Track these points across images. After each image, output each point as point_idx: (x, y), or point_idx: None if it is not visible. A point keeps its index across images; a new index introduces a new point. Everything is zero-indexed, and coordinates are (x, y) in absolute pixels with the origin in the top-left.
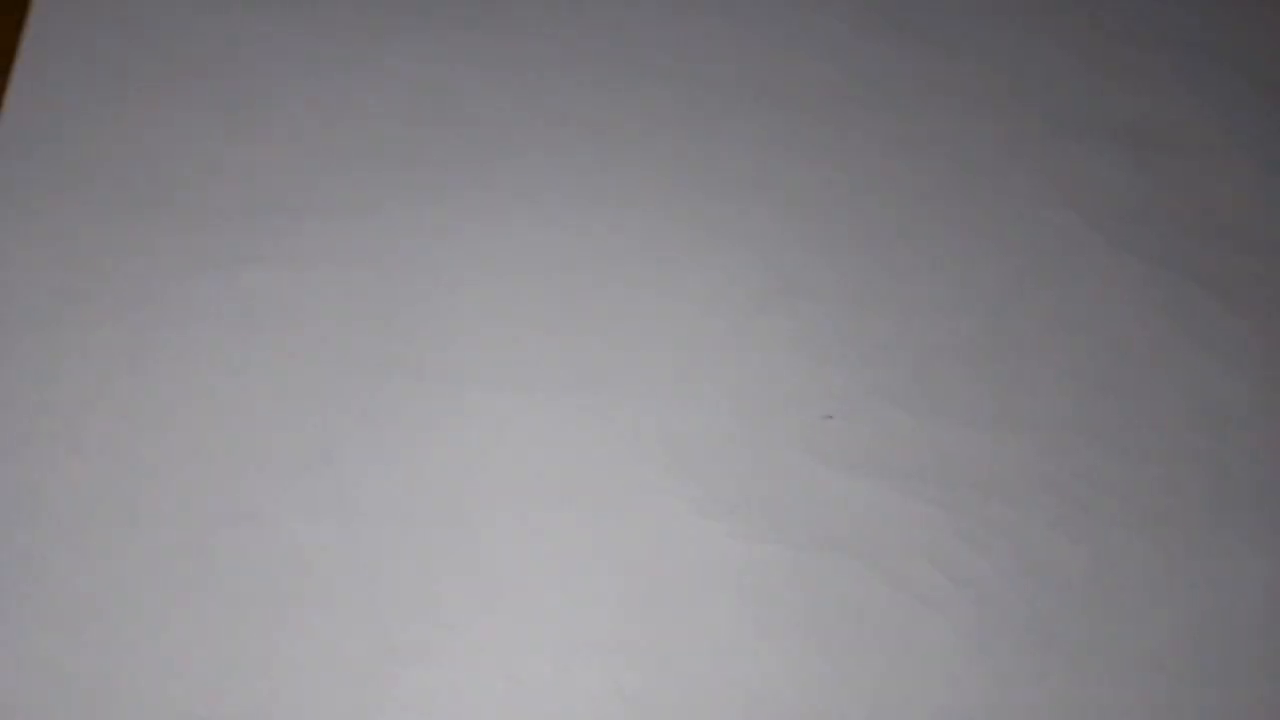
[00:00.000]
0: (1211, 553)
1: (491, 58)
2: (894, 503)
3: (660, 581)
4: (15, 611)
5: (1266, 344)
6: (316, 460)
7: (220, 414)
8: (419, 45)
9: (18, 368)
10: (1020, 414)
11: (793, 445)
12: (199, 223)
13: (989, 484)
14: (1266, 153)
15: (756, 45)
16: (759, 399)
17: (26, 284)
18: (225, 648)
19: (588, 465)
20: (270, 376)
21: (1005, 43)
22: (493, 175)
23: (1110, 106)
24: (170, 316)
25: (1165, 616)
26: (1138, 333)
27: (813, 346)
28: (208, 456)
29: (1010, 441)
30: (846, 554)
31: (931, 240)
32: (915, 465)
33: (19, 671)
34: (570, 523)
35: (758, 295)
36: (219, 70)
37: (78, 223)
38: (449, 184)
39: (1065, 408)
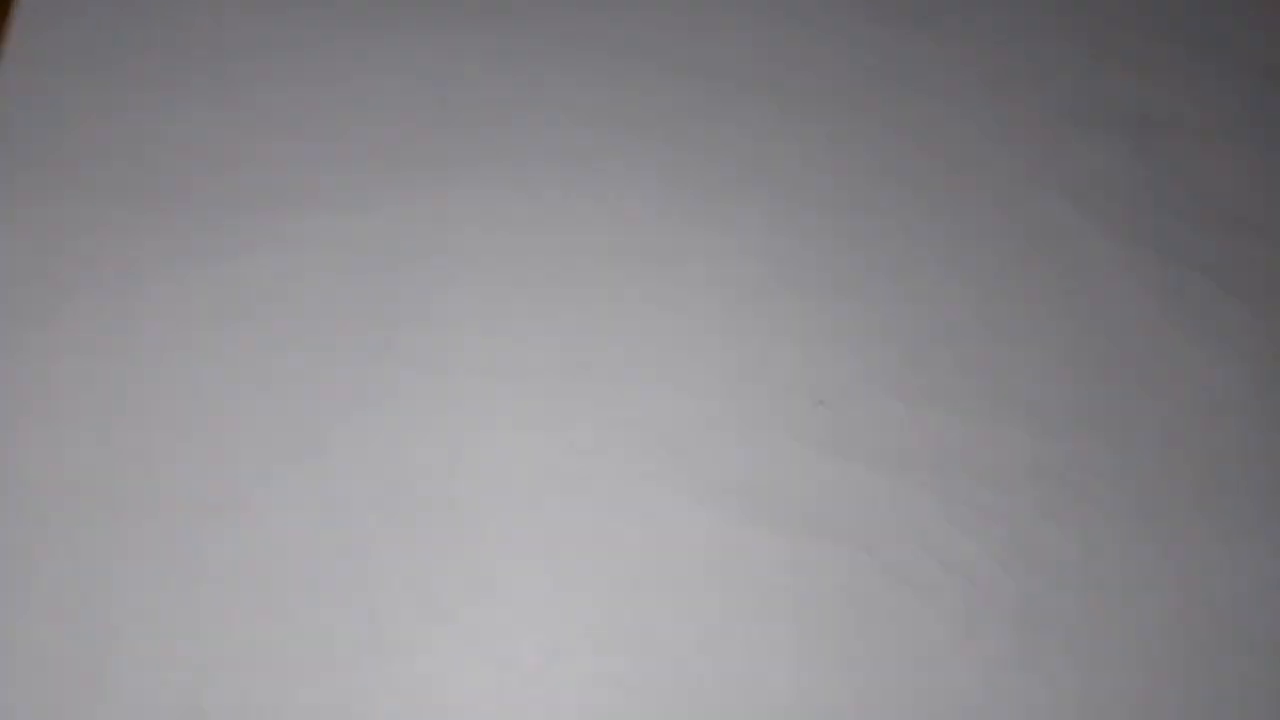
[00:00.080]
0: (1203, 539)
1: (486, 47)
2: (885, 489)
3: (651, 569)
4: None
5: (1261, 330)
6: (304, 449)
7: (207, 403)
8: (411, 34)
9: (1, 356)
10: (1012, 400)
11: (784, 432)
12: (185, 212)
13: (980, 470)
14: (1262, 138)
15: (749, 35)
16: (751, 386)
17: (11, 272)
18: (212, 638)
19: (578, 453)
20: (257, 365)
21: (998, 30)
22: (483, 164)
23: (1105, 92)
24: (156, 306)
25: (1156, 602)
26: (1131, 319)
27: (804, 333)
28: (194, 446)
29: (1002, 428)
30: (838, 540)
31: (924, 227)
32: (906, 451)
33: (3, 662)
34: (560, 510)
35: (749, 282)
36: (206, 59)
37: (63, 211)
38: (438, 173)
39: (1057, 394)
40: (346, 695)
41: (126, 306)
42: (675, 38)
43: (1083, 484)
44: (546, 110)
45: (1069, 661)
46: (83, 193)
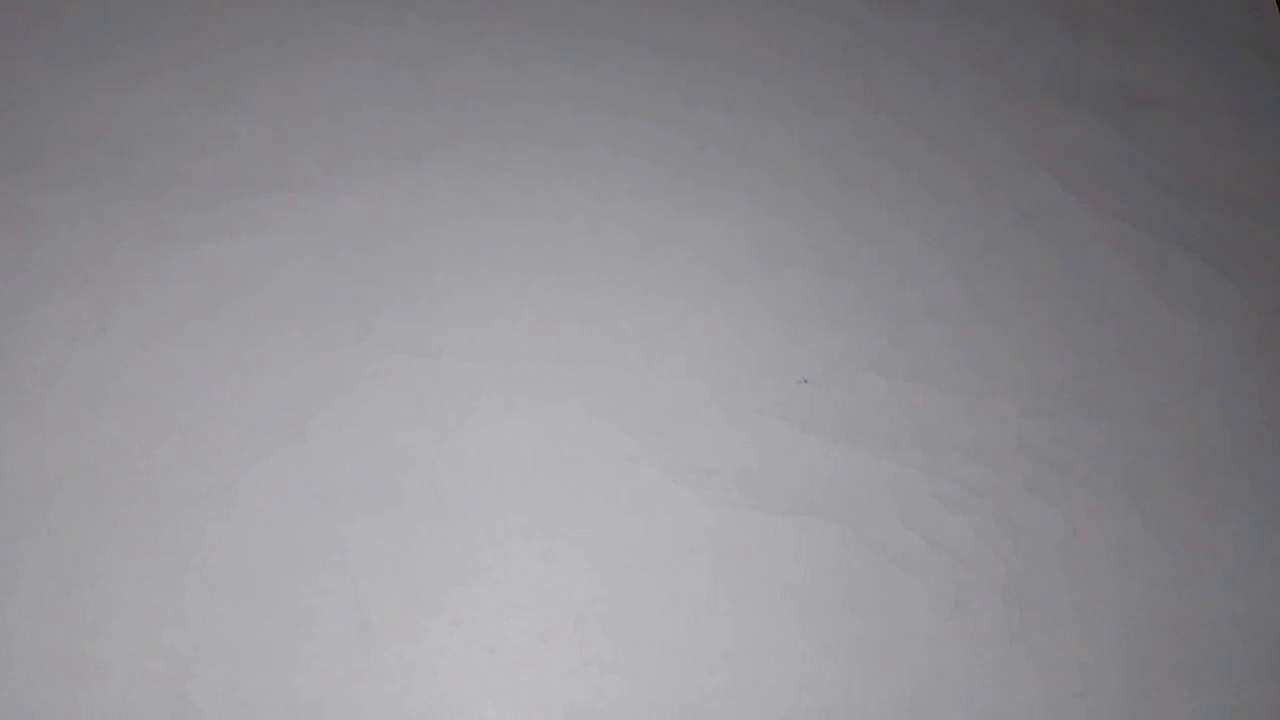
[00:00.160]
0: (1189, 514)
1: (468, 27)
2: (870, 466)
3: (637, 549)
4: None
5: (1246, 306)
6: (287, 435)
7: (188, 390)
8: (392, 16)
9: None
10: (997, 377)
11: (769, 410)
12: (163, 196)
13: (966, 447)
14: (1246, 112)
15: (733, 13)
16: (735, 365)
17: None
18: (198, 625)
19: (563, 434)
20: (238, 352)
21: (981, 7)
22: (465, 145)
23: (1088, 67)
24: (135, 291)
25: (1142, 577)
26: (1116, 294)
27: (788, 311)
28: (176, 434)
29: (987, 404)
30: (824, 518)
31: (908, 204)
32: (891, 429)
33: None
34: (546, 492)
35: (733, 261)
36: (185, 44)
37: (40, 197)
38: (422, 155)
39: (1042, 370)
40: (333, 682)
41: (104, 293)
42: (658, 19)
43: (1069, 460)
44: (529, 91)
45: (1056, 637)
46: (58, 180)
